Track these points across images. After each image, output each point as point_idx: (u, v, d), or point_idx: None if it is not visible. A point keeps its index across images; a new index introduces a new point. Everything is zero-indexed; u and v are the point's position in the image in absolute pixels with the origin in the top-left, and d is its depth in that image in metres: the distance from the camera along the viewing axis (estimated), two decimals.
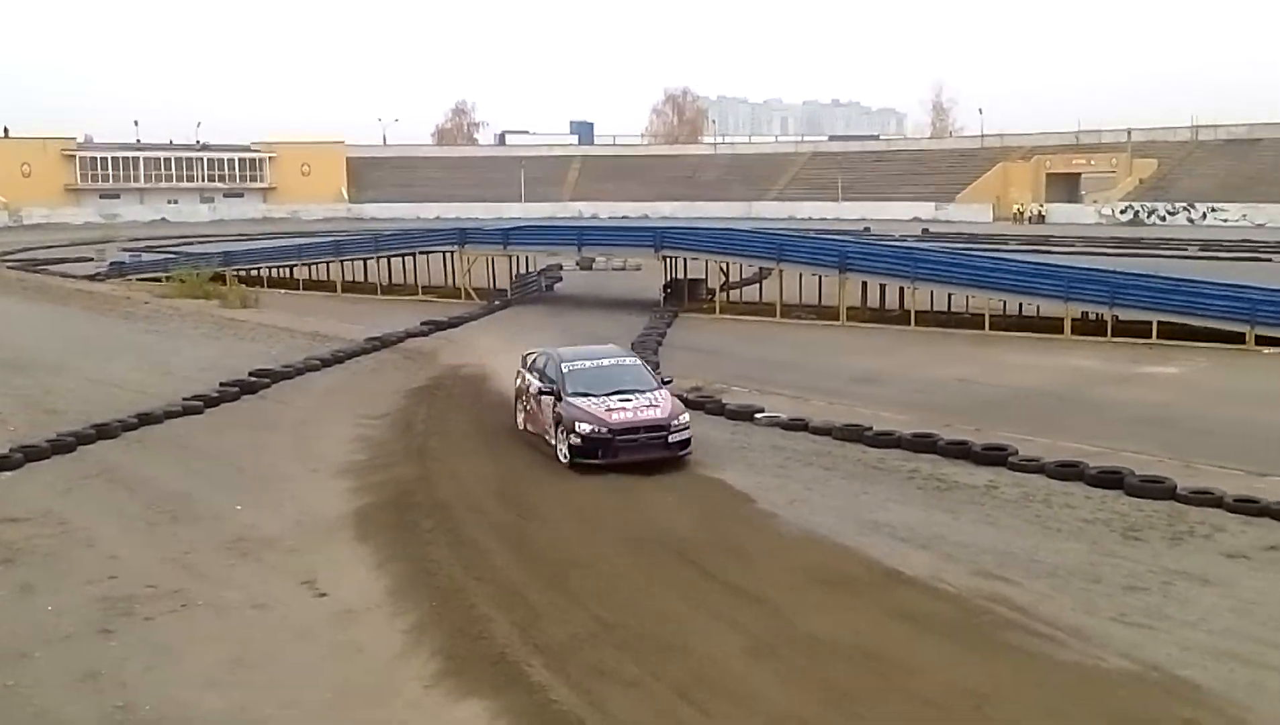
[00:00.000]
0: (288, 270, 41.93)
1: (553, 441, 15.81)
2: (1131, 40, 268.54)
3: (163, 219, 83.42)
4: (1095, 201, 78.43)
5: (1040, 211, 76.13)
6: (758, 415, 18.47)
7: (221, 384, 20.62)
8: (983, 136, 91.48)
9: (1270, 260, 43.72)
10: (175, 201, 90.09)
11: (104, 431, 17.26)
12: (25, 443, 16.27)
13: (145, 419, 18.11)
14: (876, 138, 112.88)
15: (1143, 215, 72.17)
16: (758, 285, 34.86)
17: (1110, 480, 14.32)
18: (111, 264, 47.16)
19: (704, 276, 35.10)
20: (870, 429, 17.03)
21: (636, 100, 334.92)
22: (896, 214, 74.19)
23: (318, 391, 21.50)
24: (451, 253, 38.24)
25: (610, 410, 15.30)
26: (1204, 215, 69.77)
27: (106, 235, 64.66)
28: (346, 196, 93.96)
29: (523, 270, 38.45)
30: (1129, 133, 79.88)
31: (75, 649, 10.02)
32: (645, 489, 14.47)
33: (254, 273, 41.94)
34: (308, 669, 9.67)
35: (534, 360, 17.60)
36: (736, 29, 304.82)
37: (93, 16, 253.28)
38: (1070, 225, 69.05)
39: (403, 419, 18.84)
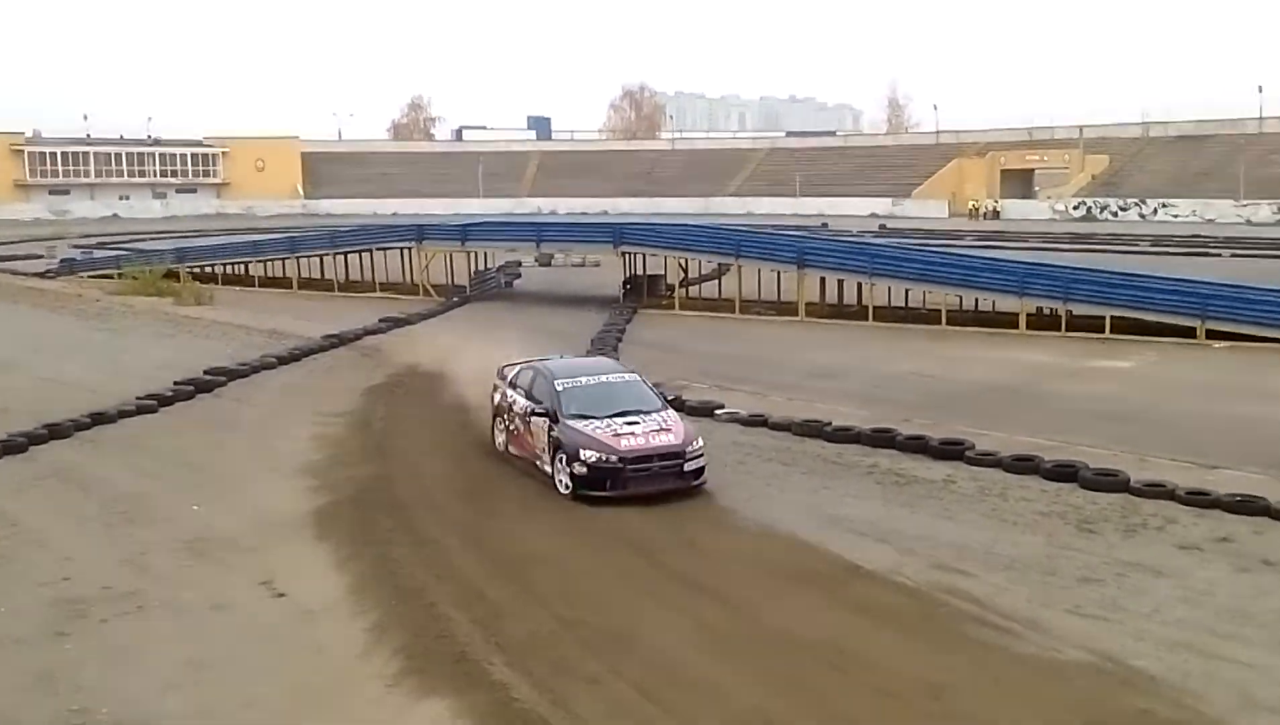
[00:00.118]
0: (243, 267, 41.53)
1: (547, 469, 14.25)
2: (1084, 38, 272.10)
3: (114, 215, 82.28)
4: (1049, 197, 79.41)
5: (995, 207, 76.93)
6: (717, 411, 18.51)
7: (176, 382, 20.37)
8: (938, 133, 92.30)
9: (1220, 255, 44.46)
10: (127, 197, 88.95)
11: (56, 431, 17.00)
12: None
13: (99, 418, 17.86)
14: (833, 134, 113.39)
15: (1095, 211, 73.12)
16: (717, 281, 35.01)
17: (1065, 473, 14.51)
18: (62, 261, 46.44)
19: (663, 272, 35.19)
20: (829, 424, 17.14)
21: (594, 96, 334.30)
22: (854, 210, 74.62)
23: (275, 390, 21.30)
24: (409, 249, 37.99)
25: (618, 435, 13.74)
26: (1155, 210, 70.82)
27: (57, 232, 63.70)
28: (302, 192, 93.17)
29: (481, 267, 38.33)
30: (1081, 129, 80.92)
31: (29, 652, 9.88)
32: None
33: (208, 270, 41.48)
34: (268, 670, 9.59)
35: (517, 375, 15.90)
36: (693, 25, 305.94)
37: (38, 8, 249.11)
38: (1024, 221, 69.79)
39: (361, 417, 18.72)
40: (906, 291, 30.08)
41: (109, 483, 15.06)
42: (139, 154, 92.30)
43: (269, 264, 40.97)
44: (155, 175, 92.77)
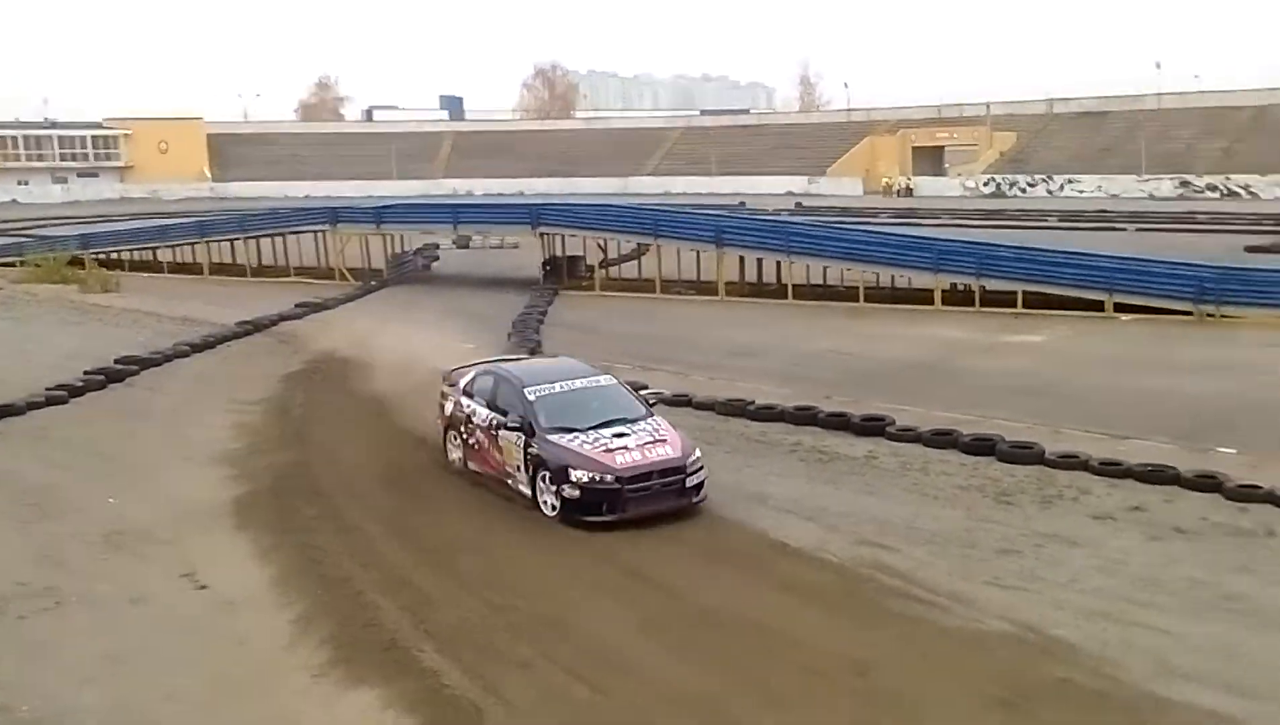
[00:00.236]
0: (150, 253, 40.43)
1: (524, 489, 12.85)
2: (990, 16, 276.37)
3: (13, 201, 79.43)
4: (959, 174, 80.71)
5: (908, 184, 78.00)
6: (642, 392, 18.48)
7: (87, 372, 19.81)
8: (850, 111, 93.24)
9: (1125, 229, 45.60)
10: (25, 182, 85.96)
11: None
12: None
13: (6, 410, 17.32)
14: (747, 112, 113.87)
15: (1004, 187, 74.53)
16: (636, 261, 35.01)
17: (983, 447, 14.82)
18: None
19: (583, 253, 35.09)
20: (752, 403, 17.29)
21: (506, 75, 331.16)
22: (770, 188, 75.07)
23: (189, 378, 20.86)
24: (323, 233, 37.36)
25: (610, 451, 12.30)
26: (1061, 186, 72.42)
27: None
28: (209, 175, 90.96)
29: (398, 250, 37.85)
30: (989, 107, 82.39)
31: None
32: None
33: (114, 256, 40.31)
34: (190, 663, 9.43)
35: (473, 381, 14.39)
36: (605, 3, 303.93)
37: None
38: (937, 198, 70.85)
39: (279, 404, 18.42)
40: (825, 269, 30.38)
41: (19, 476, 14.62)
42: (36, 137, 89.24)
43: (178, 249, 39.94)
44: (55, 159, 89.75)
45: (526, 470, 12.78)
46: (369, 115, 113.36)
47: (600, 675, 8.93)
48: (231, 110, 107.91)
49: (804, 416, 16.67)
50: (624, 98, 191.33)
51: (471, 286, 34.12)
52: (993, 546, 11.56)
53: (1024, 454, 14.45)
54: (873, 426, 16.01)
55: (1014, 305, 26.43)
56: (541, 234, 35.07)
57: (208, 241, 39.05)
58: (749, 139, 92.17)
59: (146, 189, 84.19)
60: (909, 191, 76.53)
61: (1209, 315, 24.36)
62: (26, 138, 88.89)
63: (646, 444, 12.52)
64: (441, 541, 12.02)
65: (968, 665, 9.01)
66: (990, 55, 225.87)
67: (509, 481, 13.20)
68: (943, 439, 15.26)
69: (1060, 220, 50.84)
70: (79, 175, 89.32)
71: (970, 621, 9.79)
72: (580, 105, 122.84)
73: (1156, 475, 13.38)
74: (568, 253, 35.04)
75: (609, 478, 12.12)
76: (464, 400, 14.24)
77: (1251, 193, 65.88)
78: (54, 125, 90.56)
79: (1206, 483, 13.03)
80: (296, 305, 28.94)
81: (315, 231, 37.56)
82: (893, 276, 29.29)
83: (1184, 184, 68.61)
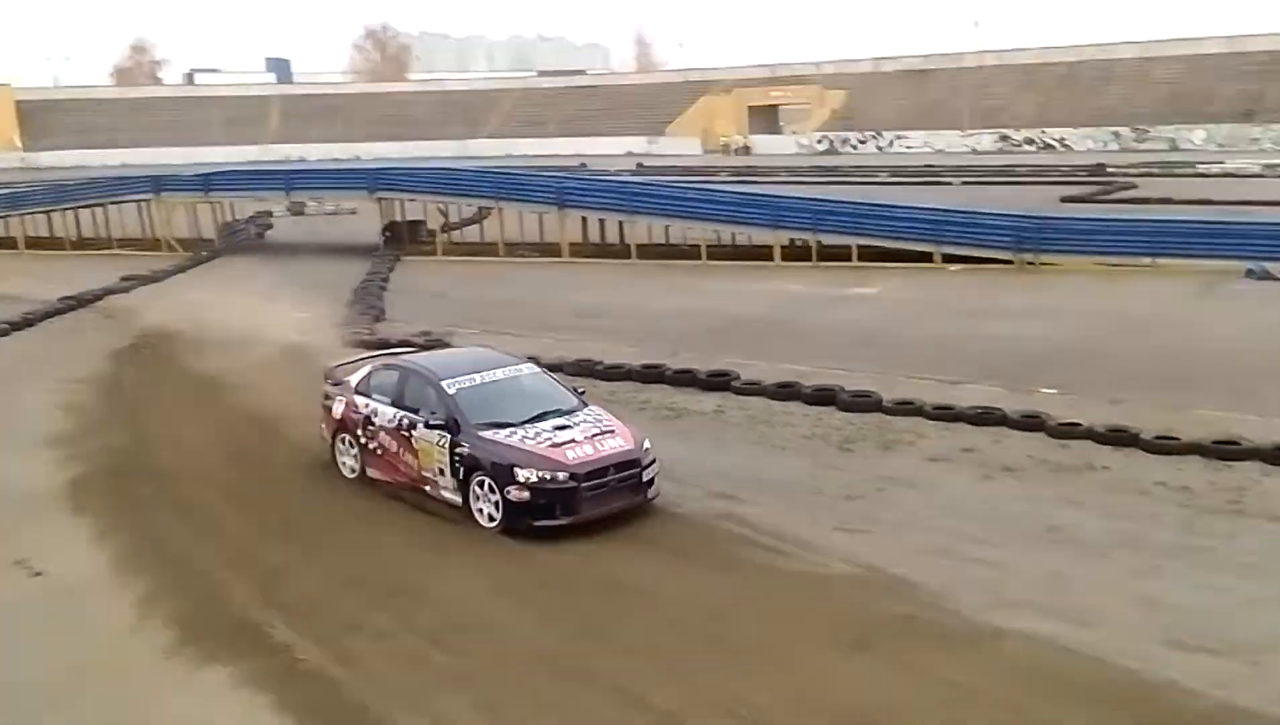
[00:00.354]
0: None
1: (449, 495, 11.48)
2: None
3: None
4: (794, 132, 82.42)
5: (746, 143, 79.22)
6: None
7: None
8: (686, 71, 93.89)
9: (950, 183, 47.36)
10: None
11: None
12: None
13: None
14: (584, 73, 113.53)
15: (837, 144, 76.50)
16: (479, 225, 34.66)
17: (824, 397, 15.31)
18: None
19: (423, 218, 34.53)
20: (600, 363, 17.41)
21: (336, 36, 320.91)
22: (610, 149, 75.15)
23: (9, 357, 19.85)
24: (146, 202, 35.76)
25: (557, 445, 11.08)
26: (891, 143, 74.78)
27: None
28: (19, 144, 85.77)
29: (229, 218, 36.52)
30: (819, 66, 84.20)
31: None
32: None
33: None
34: (32, 651, 9.10)
35: (369, 378, 12.91)
36: None
37: None
38: (774, 156, 72.19)
39: (110, 382, 17.66)
40: (667, 228, 30.66)
41: None
42: None
43: None
44: None
45: (454, 474, 11.34)
46: (190, 79, 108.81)
47: (460, 640, 8.96)
48: (40, 75, 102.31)
49: (652, 374, 16.90)
50: (458, 59, 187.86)
51: (308, 254, 33.13)
52: (837, 492, 11.98)
53: (863, 402, 14.98)
54: (719, 381, 16.35)
55: (850, 259, 27.20)
56: (380, 199, 34.37)
57: (21, 214, 36.85)
58: (587, 100, 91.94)
59: None
60: (747, 150, 77.74)
61: (1029, 263, 25.57)
62: None
63: (595, 436, 11.31)
64: (291, 516, 11.79)
65: (816, 607, 9.35)
66: (818, 16, 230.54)
67: (426, 488, 11.73)
68: (786, 391, 15.70)
69: (890, 175, 52.45)
70: None
71: (817, 565, 10.14)
72: (413, 67, 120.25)
73: (986, 417, 14.07)
74: (408, 218, 34.43)
75: (561, 476, 10.80)
76: (358, 400, 12.65)
77: (1066, 145, 69.25)
78: None
79: (1031, 422, 13.77)
80: (122, 278, 27.68)
81: (138, 201, 35.91)
82: (733, 234, 29.73)
83: (1004, 138, 71.69)
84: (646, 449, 11.45)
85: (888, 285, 24.92)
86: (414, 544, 11.01)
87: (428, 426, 11.62)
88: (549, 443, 11.13)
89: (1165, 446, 12.73)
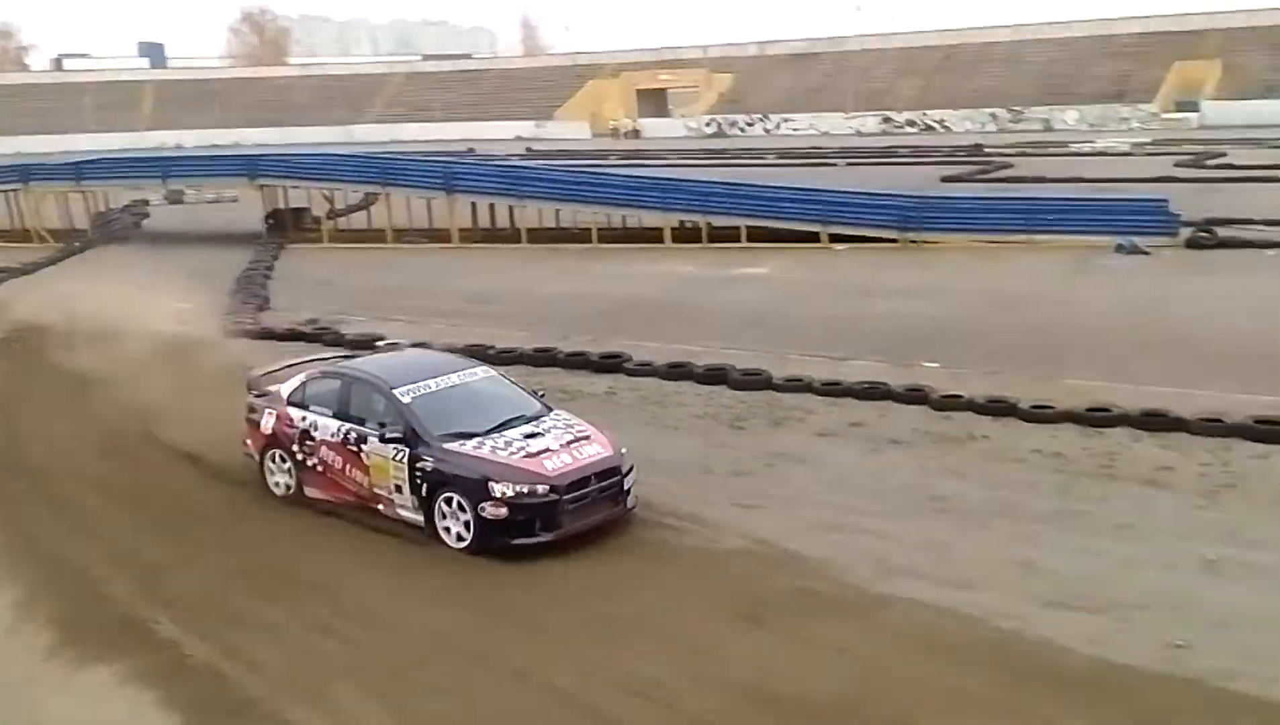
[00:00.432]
0: None
1: (411, 515, 10.49)
2: None
3: None
4: (683, 115, 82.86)
5: (635, 127, 79.37)
6: (378, 343, 18.23)
7: None
8: (573, 55, 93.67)
9: (835, 164, 48.13)
10: None
11: None
12: None
13: None
14: (470, 57, 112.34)
15: (725, 127, 77.16)
16: (365, 211, 34.10)
17: (715, 377, 15.48)
18: None
19: (308, 205, 33.83)
20: (492, 348, 17.31)
21: (211, 20, 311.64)
22: (498, 133, 74.69)
23: None
24: (14, 192, 34.37)
25: (532, 455, 10.24)
26: (777, 125, 75.74)
27: None
28: None
29: (102, 207, 35.28)
30: (705, 49, 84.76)
31: None
32: None
33: None
34: None
35: (303, 387, 11.70)
36: None
37: None
38: (662, 139, 72.49)
39: None
40: (557, 212, 30.59)
41: None
42: None
43: None
44: None
45: (414, 492, 10.39)
46: (58, 65, 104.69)
47: (351, 629, 8.84)
48: None
49: (544, 358, 16.89)
50: (340, 43, 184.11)
51: (188, 243, 32.21)
52: (728, 470, 12.13)
53: (754, 381, 15.18)
54: (611, 363, 16.41)
55: (739, 240, 27.49)
56: (262, 186, 33.57)
57: None
58: (474, 84, 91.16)
59: None
60: (636, 133, 77.92)
61: (912, 241, 26.17)
62: None
63: (570, 444, 10.49)
64: (172, 511, 11.41)
65: (710, 583, 9.45)
66: (704, 0, 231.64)
67: (379, 507, 10.76)
68: (678, 371, 15.83)
69: (778, 157, 53.10)
70: None
71: (711, 542, 10.25)
72: (293, 51, 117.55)
73: (872, 392, 14.39)
74: (292, 205, 33.70)
75: (541, 488, 9.96)
76: (293, 412, 11.51)
77: (945, 127, 71.00)
78: None
79: (915, 396, 14.13)
80: None
81: (5, 191, 34.49)
82: (624, 217, 29.81)
83: (886, 120, 73.17)
84: (625, 455, 10.69)
85: (776, 265, 25.25)
86: (300, 533, 10.79)
87: (383, 440, 10.53)
88: (523, 453, 10.25)
89: (1041, 415, 13.19)
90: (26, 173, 34.50)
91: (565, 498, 10.03)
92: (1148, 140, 53.65)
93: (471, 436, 10.44)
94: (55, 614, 9.16)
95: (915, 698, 7.45)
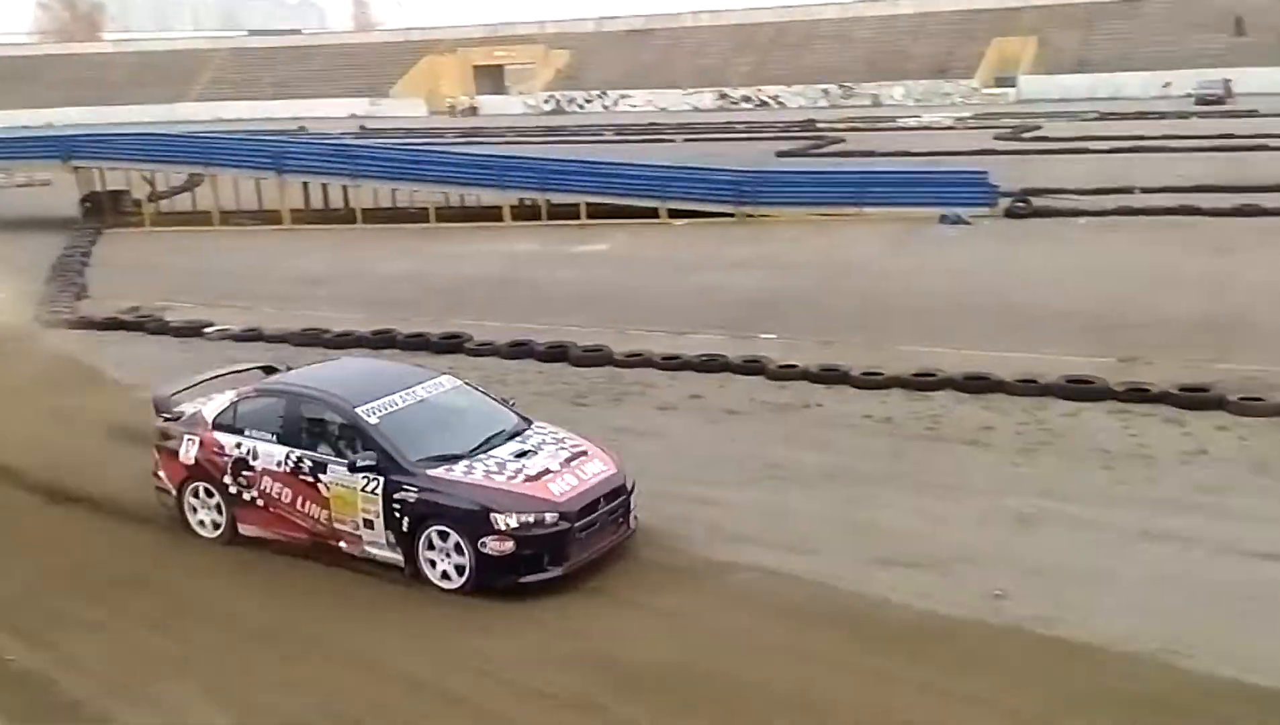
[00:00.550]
0: None
1: (387, 554, 9.09)
2: None
3: None
4: (520, 92, 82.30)
5: (472, 104, 78.46)
6: (207, 330, 17.68)
7: None
8: (407, 30, 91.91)
9: (673, 140, 48.61)
10: None
11: None
12: None
13: None
14: (299, 32, 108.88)
15: (563, 104, 76.94)
16: (190, 194, 32.82)
17: (556, 354, 15.52)
18: None
19: (127, 188, 32.35)
20: (328, 332, 16.98)
21: None
22: (331, 111, 72.78)
23: None
24: None
25: (532, 479, 9.02)
26: (615, 101, 75.94)
27: None
28: None
29: None
30: (542, 25, 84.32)
31: None
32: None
33: None
34: None
35: (234, 410, 10.03)
36: None
37: None
38: (501, 116, 71.81)
39: None
40: (393, 192, 30.06)
41: None
42: None
43: None
44: None
45: (390, 527, 9.00)
46: None
47: (182, 625, 8.60)
48: None
49: (382, 339, 16.64)
50: (158, 17, 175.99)
51: None
52: None
53: (595, 357, 15.28)
54: (452, 344, 16.27)
55: (579, 217, 27.52)
56: (77, 168, 31.95)
57: None
58: (304, 61, 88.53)
59: None
60: (473, 111, 77.07)
61: (749, 215, 26.66)
62: None
63: (570, 462, 9.32)
64: None
65: None
66: None
67: (340, 544, 9.31)
68: (519, 349, 15.81)
69: (616, 134, 53.34)
70: None
71: None
72: (108, 26, 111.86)
73: (710, 364, 14.65)
74: (110, 188, 32.17)
75: (550, 517, 8.74)
76: (223, 438, 9.89)
77: (780, 103, 72.41)
78: None
79: (752, 367, 14.45)
80: None
81: None
82: (462, 195, 29.50)
83: (722, 96, 74.19)
84: (628, 473, 9.64)
85: (616, 241, 25.38)
86: (128, 530, 10.35)
87: (353, 469, 9.06)
88: (523, 476, 9.02)
89: (871, 382, 13.67)
90: None
91: (576, 525, 8.84)
92: (969, 115, 55.83)
93: (456, 459, 9.12)
94: None
95: (756, 661, 7.66)
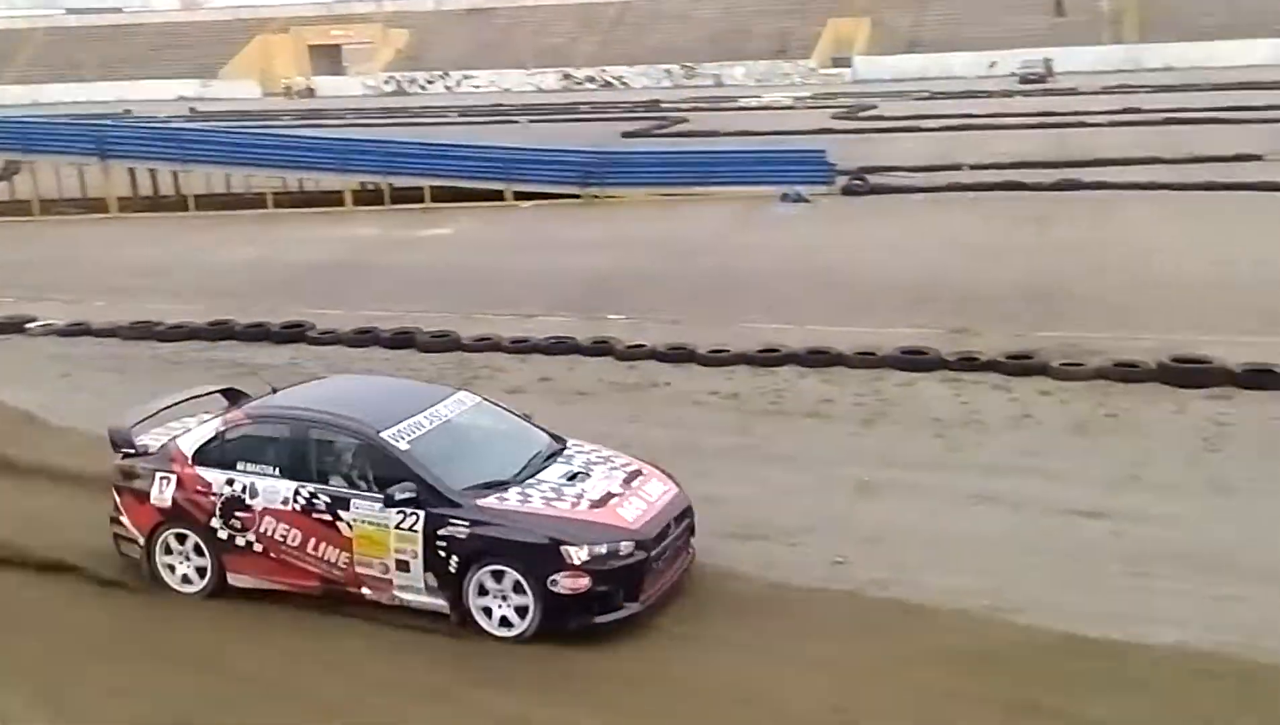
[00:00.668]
0: None
1: (427, 600, 7.90)
2: None
3: None
4: (359, 73, 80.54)
5: (309, 85, 76.42)
6: (30, 325, 16.86)
7: None
8: (237, 8, 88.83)
9: (518, 121, 48.36)
10: None
11: None
12: None
13: None
14: (121, 11, 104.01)
15: (404, 85, 75.63)
16: (7, 182, 31.13)
17: (403, 341, 15.33)
18: None
19: None
20: (161, 324, 16.39)
21: None
22: (158, 93, 70.03)
23: None
24: None
25: (596, 504, 8.02)
26: (458, 82, 75.08)
27: None
28: None
29: None
30: (380, 3, 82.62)
31: None
32: None
33: None
34: None
35: (223, 439, 8.55)
36: None
37: None
38: (339, 98, 70.23)
39: None
40: (227, 176, 29.11)
41: None
42: None
43: None
44: None
45: (432, 568, 7.82)
46: None
47: (6, 635, 8.22)
48: None
49: (220, 331, 16.14)
50: None
51: None
52: None
53: (442, 342, 15.15)
54: (293, 333, 15.89)
55: (423, 200, 27.19)
56: None
57: None
58: (128, 40, 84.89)
59: None
60: (310, 92, 75.11)
61: (595, 196, 26.78)
62: None
63: (630, 483, 8.37)
64: None
65: None
66: None
67: (364, 591, 8.09)
68: (364, 337, 15.55)
69: (460, 115, 52.73)
70: None
71: None
72: None
73: (559, 347, 14.70)
74: None
75: (626, 546, 7.72)
76: (208, 475, 8.47)
77: (624, 83, 72.76)
78: None
79: (601, 348, 14.55)
80: None
81: None
82: (300, 180, 28.78)
83: (566, 76, 74.15)
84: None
85: (462, 225, 25.18)
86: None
87: (389, 503, 7.81)
88: (587, 502, 8.02)
89: (717, 359, 13.93)
90: None
91: (651, 554, 7.85)
92: (808, 94, 57.14)
93: (505, 486, 8.03)
94: None
95: (604, 638, 7.74)
